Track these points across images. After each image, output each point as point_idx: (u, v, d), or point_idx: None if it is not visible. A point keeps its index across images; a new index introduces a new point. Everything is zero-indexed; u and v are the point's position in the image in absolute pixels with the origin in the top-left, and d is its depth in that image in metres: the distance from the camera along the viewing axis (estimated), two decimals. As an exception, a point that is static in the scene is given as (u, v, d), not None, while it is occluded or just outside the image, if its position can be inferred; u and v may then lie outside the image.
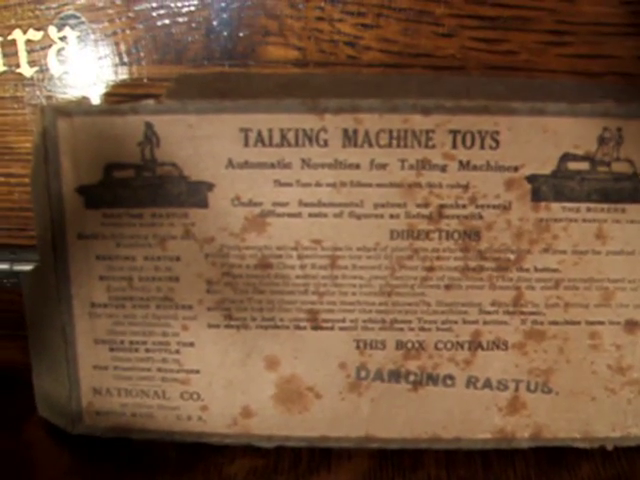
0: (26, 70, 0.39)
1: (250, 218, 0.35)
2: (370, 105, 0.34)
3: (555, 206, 0.35)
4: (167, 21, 0.38)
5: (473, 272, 0.36)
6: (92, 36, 0.39)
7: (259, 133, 0.34)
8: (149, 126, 0.35)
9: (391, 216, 0.35)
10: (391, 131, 0.34)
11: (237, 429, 0.38)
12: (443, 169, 0.35)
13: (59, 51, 0.39)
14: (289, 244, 0.36)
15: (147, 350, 0.37)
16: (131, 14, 0.38)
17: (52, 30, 0.39)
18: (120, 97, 0.39)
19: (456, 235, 0.35)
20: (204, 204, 0.35)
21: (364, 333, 0.37)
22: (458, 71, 0.38)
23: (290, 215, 0.35)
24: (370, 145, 0.34)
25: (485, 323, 0.36)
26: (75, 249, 0.36)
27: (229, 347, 0.37)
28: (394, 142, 0.34)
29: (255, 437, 0.38)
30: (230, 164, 0.35)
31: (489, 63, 0.38)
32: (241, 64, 0.39)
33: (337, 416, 0.38)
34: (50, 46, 0.39)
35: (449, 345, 0.37)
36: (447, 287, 0.36)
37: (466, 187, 0.35)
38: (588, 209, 0.35)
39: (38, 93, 0.40)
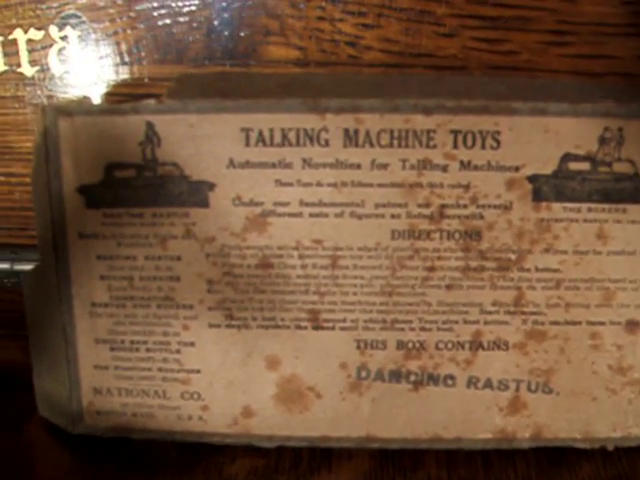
0: (27, 69, 0.39)
1: (251, 218, 0.35)
2: (371, 105, 0.34)
3: (556, 206, 0.35)
4: (168, 21, 0.38)
5: (474, 272, 0.36)
6: (93, 36, 0.39)
7: (260, 133, 0.34)
8: (150, 126, 0.35)
9: (392, 216, 0.35)
10: (392, 131, 0.34)
11: (238, 429, 0.38)
12: (444, 169, 0.35)
13: (60, 50, 0.39)
14: (290, 244, 0.36)
15: (148, 350, 0.37)
16: (132, 14, 0.38)
17: (53, 29, 0.39)
18: (121, 97, 0.39)
19: (457, 235, 0.35)
20: (205, 204, 0.35)
21: (365, 333, 0.37)
22: (459, 71, 0.38)
23: (291, 215, 0.35)
24: (371, 145, 0.34)
25: (486, 323, 0.36)
26: (76, 249, 0.36)
27: (230, 347, 0.37)
28: (395, 142, 0.34)
29: (256, 437, 0.38)
30: (231, 164, 0.35)
31: (490, 63, 0.38)
32: (242, 64, 0.39)
33: (338, 416, 0.38)
34: (51, 45, 0.39)
35: (450, 345, 0.37)
36: (448, 287, 0.36)
37: (467, 187, 0.35)
38: (589, 209, 0.35)
39: (39, 93, 0.40)
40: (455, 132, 0.34)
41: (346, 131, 0.34)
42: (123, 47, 0.39)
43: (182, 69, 0.39)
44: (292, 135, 0.34)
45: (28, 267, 0.38)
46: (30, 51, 0.39)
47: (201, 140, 0.35)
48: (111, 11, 0.38)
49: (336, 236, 0.35)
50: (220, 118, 0.34)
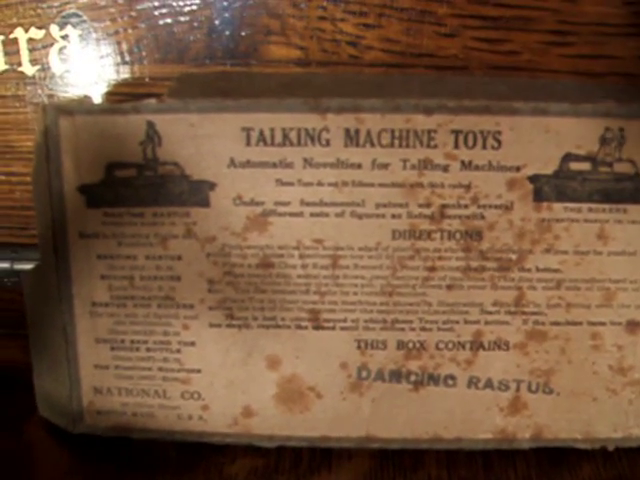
0: (28, 69, 0.39)
1: (252, 217, 0.35)
2: (372, 105, 0.34)
3: (557, 206, 0.35)
4: (169, 20, 0.38)
5: (475, 272, 0.36)
6: (94, 35, 0.39)
7: (261, 132, 0.34)
8: (151, 125, 0.34)
9: (393, 216, 0.35)
10: (393, 131, 0.34)
11: (238, 429, 0.38)
12: (445, 169, 0.35)
13: (61, 50, 0.39)
14: (291, 243, 0.36)
15: (148, 349, 0.37)
16: (133, 13, 0.38)
17: (54, 29, 0.39)
18: (122, 96, 0.39)
19: (458, 235, 0.35)
20: (206, 203, 0.35)
21: (365, 333, 0.37)
22: (460, 71, 0.38)
23: (292, 215, 0.35)
24: (372, 145, 0.34)
25: (486, 323, 0.36)
26: (76, 248, 0.36)
27: (230, 346, 0.37)
28: (396, 142, 0.34)
29: (256, 437, 0.38)
30: (232, 163, 0.35)
31: (491, 63, 0.38)
32: (243, 63, 0.39)
33: (338, 416, 0.38)
34: (52, 45, 0.39)
35: (450, 345, 0.37)
36: (449, 287, 0.36)
37: (468, 187, 0.35)
38: (590, 209, 0.35)
39: (40, 92, 0.40)
40: (456, 132, 0.34)
41: (347, 131, 0.34)
42: (124, 46, 0.39)
43: (183, 68, 0.39)
44: (293, 135, 0.34)
45: (28, 266, 0.38)
46: (31, 50, 0.39)
47: (202, 139, 0.35)
48: (112, 10, 0.38)
49: (337, 236, 0.35)
50: (221, 117, 0.34)
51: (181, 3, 0.38)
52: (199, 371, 0.37)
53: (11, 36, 0.39)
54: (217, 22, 0.38)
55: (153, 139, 0.35)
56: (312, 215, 0.35)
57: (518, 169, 0.34)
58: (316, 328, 0.37)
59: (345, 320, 0.37)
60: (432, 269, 0.36)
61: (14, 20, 0.39)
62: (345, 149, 0.34)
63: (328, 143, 0.34)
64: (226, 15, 0.38)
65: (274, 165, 0.35)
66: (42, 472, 0.38)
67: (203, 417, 0.38)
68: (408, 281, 0.36)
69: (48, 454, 0.39)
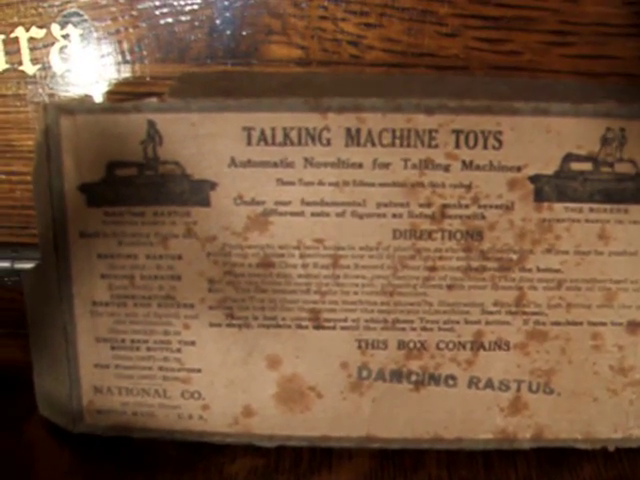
0: (29, 68, 0.39)
1: (252, 217, 0.35)
2: (373, 104, 0.34)
3: (558, 206, 0.35)
4: (170, 19, 0.38)
5: (475, 272, 0.36)
6: (95, 34, 0.39)
7: (262, 132, 0.34)
8: (152, 124, 0.34)
9: (394, 216, 0.35)
10: (394, 130, 0.34)
11: (238, 428, 0.38)
12: (446, 169, 0.35)
13: (62, 49, 0.39)
14: (291, 243, 0.36)
15: (148, 349, 0.37)
16: (134, 12, 0.38)
17: (55, 28, 0.39)
18: (123, 95, 0.39)
19: (459, 235, 0.35)
20: (206, 203, 0.35)
21: (366, 333, 0.37)
22: (461, 71, 0.38)
23: (292, 214, 0.35)
24: (373, 144, 0.34)
25: (487, 323, 0.36)
26: (77, 247, 0.36)
27: (231, 346, 0.37)
28: (397, 141, 0.34)
29: (256, 436, 0.38)
30: (233, 163, 0.35)
31: (492, 63, 0.38)
32: (244, 63, 0.39)
33: (338, 416, 0.38)
34: (53, 44, 0.39)
35: (451, 345, 0.37)
36: (449, 287, 0.36)
37: (469, 187, 0.35)
38: (591, 209, 0.35)
39: (40, 91, 0.40)
40: (457, 132, 0.34)
41: (348, 130, 0.34)
42: (125, 46, 0.39)
43: (184, 68, 0.39)
44: (294, 134, 0.34)
45: (29, 266, 0.38)
46: (32, 49, 0.39)
47: (203, 139, 0.35)
48: (113, 9, 0.38)
49: (337, 235, 0.35)
50: (222, 117, 0.34)
51: (182, 2, 0.38)
52: (199, 370, 0.37)
53: (12, 35, 0.39)
54: (218, 21, 0.38)
55: (154, 138, 0.35)
56: (313, 215, 0.35)
57: (519, 169, 0.34)
58: (317, 328, 0.37)
59: (346, 320, 0.36)
60: (433, 269, 0.36)
61: (15, 19, 0.39)
62: (346, 149, 0.34)
63: (329, 143, 0.34)
64: (227, 14, 0.38)
65: (275, 165, 0.35)
66: (42, 471, 0.38)
67: (203, 417, 0.38)
68: (409, 281, 0.36)
69: (48, 453, 0.39)
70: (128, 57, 0.39)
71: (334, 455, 0.38)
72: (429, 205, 0.35)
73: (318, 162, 0.35)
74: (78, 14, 0.39)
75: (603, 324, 0.36)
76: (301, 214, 0.35)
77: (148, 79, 0.39)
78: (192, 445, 0.38)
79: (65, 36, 0.39)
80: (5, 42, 0.39)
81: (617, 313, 0.36)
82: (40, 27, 0.39)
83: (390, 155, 0.34)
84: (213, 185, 0.35)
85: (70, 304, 0.37)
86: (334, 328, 0.37)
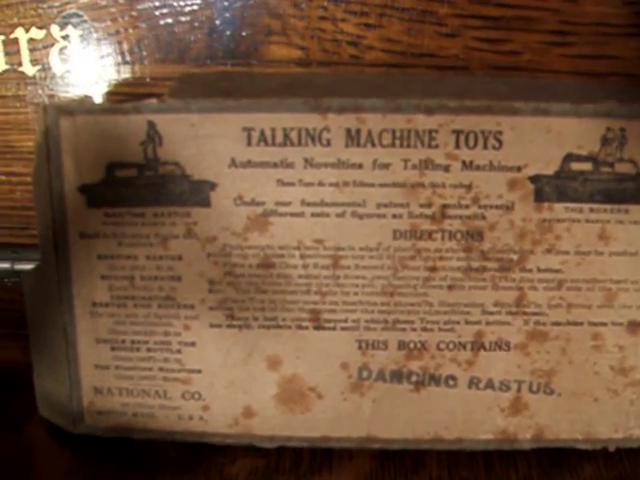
0: (28, 69, 0.39)
1: (252, 217, 0.35)
2: (373, 105, 0.34)
3: (558, 206, 0.35)
4: (170, 20, 0.38)
5: (476, 272, 0.36)
6: (95, 35, 0.39)
7: (262, 132, 0.34)
8: (152, 125, 0.34)
9: (394, 216, 0.35)
10: (394, 131, 0.34)
11: (238, 429, 0.38)
12: (446, 169, 0.35)
13: (61, 50, 0.39)
14: (291, 244, 0.36)
15: (149, 350, 0.37)
16: (134, 13, 0.38)
17: (55, 29, 0.39)
18: (123, 96, 0.39)
19: (459, 235, 0.35)
20: (206, 203, 0.35)
21: (366, 333, 0.37)
22: (461, 71, 0.38)
23: (293, 215, 0.35)
24: (373, 145, 0.34)
25: (487, 324, 0.36)
26: (77, 248, 0.36)
27: (231, 347, 0.37)
28: (397, 142, 0.34)
29: (257, 437, 0.38)
30: (233, 163, 0.35)
31: (492, 63, 0.38)
32: (244, 63, 0.39)
33: (339, 416, 0.38)
34: (52, 45, 0.39)
35: (451, 345, 0.37)
36: (450, 287, 0.36)
37: (469, 187, 0.35)
38: (591, 210, 0.35)
39: (40, 92, 0.40)
40: (457, 132, 0.34)
41: (348, 131, 0.34)
42: (125, 46, 0.39)
43: (184, 68, 0.39)
44: (294, 135, 0.34)
45: (29, 266, 0.38)
46: (31, 50, 0.39)
47: (203, 139, 0.35)
48: (113, 10, 0.38)
49: (338, 236, 0.35)
50: (222, 118, 0.34)
51: (182, 3, 0.38)
52: (200, 371, 0.37)
53: (12, 36, 0.39)
54: (218, 22, 0.38)
55: (154, 139, 0.35)
56: (313, 215, 0.35)
57: (519, 169, 0.34)
58: (317, 328, 0.37)
59: (346, 320, 0.36)
60: (433, 269, 0.36)
61: (15, 20, 0.39)
62: (346, 149, 0.34)
63: (329, 143, 0.34)
64: (227, 15, 0.38)
65: (275, 165, 0.35)
66: (42, 472, 0.38)
67: (204, 417, 0.38)
68: (409, 281, 0.36)
69: (48, 454, 0.39)
70: (128, 58, 0.39)
71: (334, 456, 0.38)
72: (429, 205, 0.35)
73: (318, 162, 0.35)
74: (78, 15, 0.39)
75: (603, 324, 0.36)
76: (301, 215, 0.35)
77: (148, 80, 0.39)
78: (192, 446, 0.38)
79: (65, 37, 0.39)
80: (5, 43, 0.39)
81: (617, 313, 0.36)
82: (40, 28, 0.39)
83: (390, 155, 0.34)
84: (213, 186, 0.35)
85: (70, 305, 0.37)
86: (334, 329, 0.37)
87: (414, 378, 0.37)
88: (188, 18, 0.38)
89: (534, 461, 0.37)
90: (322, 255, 0.36)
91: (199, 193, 0.35)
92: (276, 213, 0.35)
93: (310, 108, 0.34)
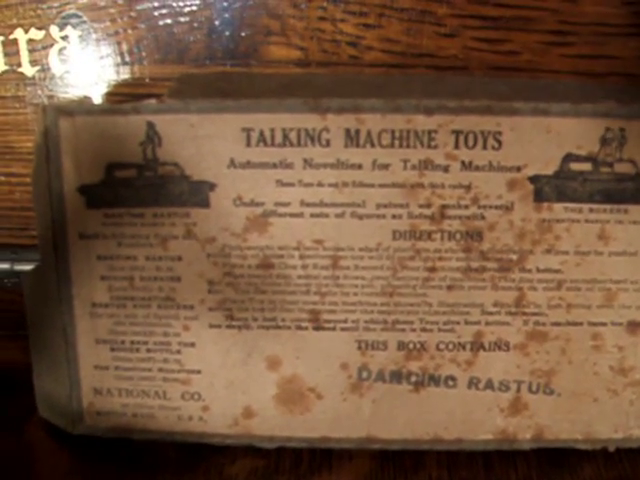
0: (28, 69, 0.39)
1: (252, 218, 0.35)
2: (372, 105, 0.34)
3: (557, 207, 0.35)
4: (169, 21, 0.38)
5: (475, 273, 0.36)
6: (94, 35, 0.39)
7: (261, 133, 0.34)
8: (151, 126, 0.34)
9: (393, 216, 0.35)
10: (393, 131, 0.34)
11: (238, 429, 0.38)
12: (445, 169, 0.35)
13: (61, 50, 0.39)
14: (291, 244, 0.36)
15: (148, 350, 0.37)
16: (133, 13, 0.38)
17: (54, 29, 0.39)
18: (122, 97, 0.39)
19: (458, 235, 0.35)
20: (206, 204, 0.35)
21: (366, 334, 0.37)
22: (461, 71, 0.38)
23: (292, 215, 0.35)
24: (372, 145, 0.34)
25: (487, 324, 0.36)
26: (76, 249, 0.36)
27: (230, 347, 0.37)
28: (396, 142, 0.34)
29: (256, 438, 0.38)
30: (232, 164, 0.35)
31: (492, 63, 0.38)
32: (243, 64, 0.39)
33: (338, 417, 0.38)
34: (52, 45, 0.39)
35: (451, 346, 0.37)
36: (449, 288, 0.36)
37: (468, 187, 0.35)
38: (591, 210, 0.35)
39: (40, 92, 0.40)
40: (456, 132, 0.34)
41: (347, 131, 0.34)
42: (124, 47, 0.39)
43: (183, 69, 0.39)
44: (293, 135, 0.34)
45: (28, 267, 0.38)
46: (31, 51, 0.39)
47: (202, 140, 0.35)
48: (112, 11, 0.38)
49: (337, 236, 0.35)
50: (221, 118, 0.34)
51: (181, 4, 0.38)
52: (199, 372, 0.37)
53: (11, 37, 0.39)
54: (217, 23, 0.38)
55: (153, 139, 0.35)
56: (312, 216, 0.35)
57: (518, 169, 0.34)
58: (316, 329, 0.37)
59: (345, 321, 0.36)
60: (432, 269, 0.36)
61: (14, 21, 0.39)
62: (345, 149, 0.34)
63: (328, 143, 0.34)
64: (226, 16, 0.38)
65: (274, 166, 0.35)
66: (42, 473, 0.38)
67: (203, 418, 0.38)
68: (408, 282, 0.36)
69: (48, 455, 0.39)
70: (127, 58, 0.39)
71: (334, 456, 0.38)
72: (429, 206, 0.35)
73: (317, 163, 0.35)
74: (77, 15, 0.39)
75: (603, 324, 0.36)
76: (300, 215, 0.35)
77: (147, 80, 0.39)
78: (192, 446, 0.38)
79: (64, 37, 0.39)
80: (4, 44, 0.39)
81: (617, 313, 0.36)
82: (39, 29, 0.39)
83: (389, 156, 0.34)
84: (212, 186, 0.35)
85: (70, 306, 0.37)
86: (334, 329, 0.37)
87: (414, 378, 0.37)
88: (187, 19, 0.38)
89: (534, 461, 0.37)
90: (321, 255, 0.36)
91: (198, 194, 0.35)
92: (275, 214, 0.35)
93: (309, 108, 0.34)
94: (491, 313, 0.36)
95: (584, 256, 0.35)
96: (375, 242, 0.35)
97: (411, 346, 0.37)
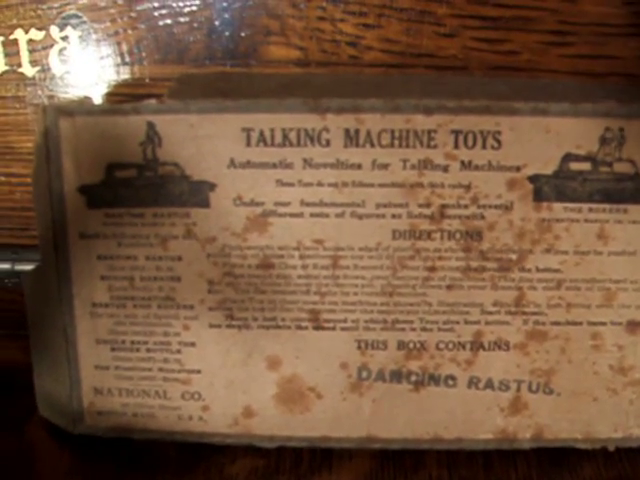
0: (28, 70, 0.39)
1: (252, 218, 0.35)
2: (372, 105, 0.34)
3: (557, 206, 0.35)
4: (169, 21, 0.38)
5: (475, 272, 0.36)
6: (94, 36, 0.39)
7: (261, 133, 0.34)
8: (151, 126, 0.35)
9: (393, 216, 0.35)
10: (393, 131, 0.34)
11: (238, 429, 0.38)
12: (445, 169, 0.35)
13: (61, 51, 0.39)
14: (291, 244, 0.36)
15: (148, 350, 0.37)
16: (133, 14, 0.38)
17: (54, 30, 0.39)
18: (122, 97, 0.39)
19: (458, 235, 0.35)
20: (206, 204, 0.35)
21: (366, 333, 0.37)
22: (460, 71, 0.38)
23: (292, 215, 0.35)
24: (372, 145, 0.34)
25: (487, 323, 0.36)
26: (77, 249, 0.36)
27: (230, 347, 0.37)
28: (396, 142, 0.34)
29: (256, 437, 0.38)
30: (232, 164, 0.35)
31: (491, 63, 0.38)
32: (243, 64, 0.39)
33: (338, 416, 0.38)
34: (52, 46, 0.39)
35: (451, 345, 0.37)
36: (449, 287, 0.36)
37: (468, 187, 0.35)
38: (590, 209, 0.35)
39: (40, 93, 0.40)
40: (456, 132, 0.34)
41: (347, 131, 0.34)
42: (124, 47, 0.39)
43: (183, 69, 0.39)
44: (293, 135, 0.34)
45: (29, 267, 0.38)
46: (31, 51, 0.39)
47: (202, 140, 0.35)
48: (112, 11, 0.38)
49: (337, 236, 0.35)
50: (221, 118, 0.34)
51: (181, 4, 0.38)
52: (199, 371, 0.37)
53: (11, 37, 0.39)
54: (217, 23, 0.38)
55: (153, 140, 0.35)
56: (312, 215, 0.35)
57: (518, 169, 0.34)
58: (316, 328, 0.37)
59: (345, 320, 0.37)
60: (432, 269, 0.36)
61: (14, 21, 0.39)
62: (345, 149, 0.34)
63: (328, 143, 0.34)
64: (226, 16, 0.38)
65: (274, 165, 0.35)
66: (42, 472, 0.38)
67: (203, 417, 0.38)
68: (408, 281, 0.36)
69: (48, 454, 0.39)
70: (127, 59, 0.39)
71: (334, 456, 0.38)
72: (428, 205, 0.35)
73: (317, 163, 0.35)
74: (77, 16, 0.39)
75: (603, 324, 0.36)
76: (300, 215, 0.35)
77: (147, 80, 0.39)
78: (192, 446, 0.38)
79: (64, 38, 0.39)
80: (4, 44, 0.39)
81: (617, 313, 0.36)
82: (39, 29, 0.39)
83: (389, 156, 0.34)
84: (212, 186, 0.35)
85: (70, 305, 0.37)
86: (334, 329, 0.37)
87: (413, 378, 0.37)
88: (187, 19, 0.38)
89: (534, 461, 0.37)
90: (321, 255, 0.36)
91: (198, 194, 0.35)
92: (275, 213, 0.35)
93: (309, 108, 0.34)
94: (491, 313, 0.36)
95: (583, 256, 0.35)
96: (375, 242, 0.35)
97: (411, 346, 0.37)
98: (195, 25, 0.38)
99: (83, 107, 0.35)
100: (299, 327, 0.37)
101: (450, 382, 0.37)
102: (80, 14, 0.39)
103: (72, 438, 0.39)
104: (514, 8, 0.37)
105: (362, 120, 0.34)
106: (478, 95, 0.35)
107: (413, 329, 0.36)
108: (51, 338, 0.38)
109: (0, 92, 0.40)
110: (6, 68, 0.40)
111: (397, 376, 0.37)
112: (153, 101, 0.35)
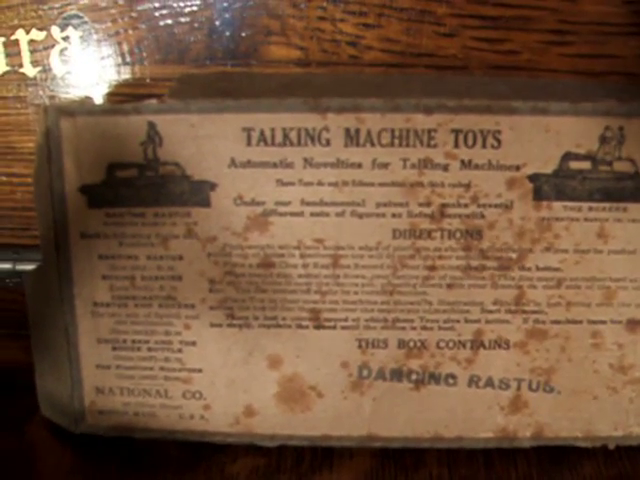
0: (29, 70, 0.40)
1: (252, 217, 0.35)
2: (372, 104, 0.34)
3: (557, 205, 0.35)
4: (170, 21, 0.39)
5: (475, 271, 0.36)
6: (95, 36, 0.39)
7: (261, 132, 0.34)
8: (152, 126, 0.35)
9: (393, 215, 0.35)
10: (393, 130, 0.34)
11: (239, 428, 0.38)
12: (445, 168, 0.35)
13: (62, 51, 0.39)
14: (291, 243, 0.36)
15: (149, 349, 0.37)
16: (134, 14, 0.38)
17: (55, 30, 0.39)
18: (123, 97, 0.39)
19: (458, 234, 0.35)
20: (207, 203, 0.35)
21: (366, 332, 0.37)
22: (460, 71, 0.38)
23: (292, 214, 0.35)
24: (372, 144, 0.34)
25: (487, 322, 0.36)
26: (78, 248, 0.36)
27: (231, 346, 0.37)
28: (396, 141, 0.34)
29: (257, 436, 0.38)
30: (233, 163, 0.35)
31: (491, 63, 0.38)
32: (243, 64, 0.39)
33: (339, 415, 0.38)
34: (53, 46, 0.39)
35: (451, 344, 0.37)
36: (449, 286, 0.36)
37: (468, 186, 0.35)
38: (590, 208, 0.35)
39: (41, 93, 0.40)
40: (456, 131, 0.34)
41: (347, 130, 0.34)
42: (125, 47, 0.39)
43: (184, 69, 0.39)
44: (293, 135, 0.34)
45: (30, 267, 0.38)
46: (32, 52, 0.39)
47: (203, 140, 0.35)
48: (113, 11, 0.39)
49: (337, 235, 0.36)
50: (221, 118, 0.34)
51: (182, 4, 0.38)
52: (200, 371, 0.37)
53: (12, 38, 0.39)
54: (217, 23, 0.38)
55: (154, 139, 0.35)
56: (313, 215, 0.35)
57: (518, 168, 0.35)
58: (317, 327, 0.37)
59: (346, 319, 0.37)
60: (432, 268, 0.36)
61: (15, 22, 0.39)
62: (345, 149, 0.35)
63: (328, 143, 0.34)
64: (226, 16, 0.38)
65: (274, 165, 0.35)
66: (44, 472, 0.38)
67: (204, 416, 0.38)
68: (409, 280, 0.36)
69: (50, 454, 0.39)
70: (128, 59, 0.39)
71: (335, 454, 0.38)
72: (428, 204, 0.35)
73: (317, 162, 0.35)
74: (78, 16, 0.39)
75: (603, 322, 0.36)
76: (301, 214, 0.35)
77: (148, 80, 0.39)
78: (193, 445, 0.38)
79: (65, 38, 0.39)
80: (6, 44, 0.39)
81: (616, 311, 0.36)
82: (40, 29, 0.39)
83: (389, 155, 0.35)
84: (213, 186, 0.35)
85: (71, 305, 0.37)
86: (334, 328, 0.37)
87: (414, 377, 0.37)
88: (188, 19, 0.38)
89: (534, 459, 0.37)
90: (322, 254, 0.36)
91: (199, 193, 0.35)
92: (276, 213, 0.35)
93: (309, 108, 0.34)
94: (491, 311, 0.36)
95: (583, 254, 0.35)
96: (375, 241, 0.36)
97: (411, 344, 0.37)
98: (196, 25, 0.39)
99: (84, 107, 0.35)
100: (300, 326, 0.37)
101: (450, 381, 0.37)
102: (81, 14, 0.39)
103: (74, 437, 0.39)
104: (514, 8, 0.37)
105: (362, 119, 0.34)
106: (478, 94, 0.35)
107: (413, 328, 0.37)
108: (52, 338, 0.38)
109: (1, 92, 0.40)
110: (7, 68, 0.40)
111: (397, 375, 0.37)
112: (154, 101, 0.35)
